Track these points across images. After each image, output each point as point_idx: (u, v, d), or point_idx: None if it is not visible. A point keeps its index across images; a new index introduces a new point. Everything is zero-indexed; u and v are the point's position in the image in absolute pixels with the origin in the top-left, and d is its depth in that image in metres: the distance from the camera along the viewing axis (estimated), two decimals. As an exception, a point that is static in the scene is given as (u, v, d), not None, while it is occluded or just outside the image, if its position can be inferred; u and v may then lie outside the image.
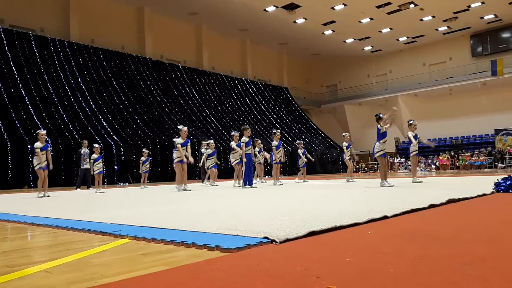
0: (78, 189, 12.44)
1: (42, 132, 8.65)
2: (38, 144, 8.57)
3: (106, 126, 19.65)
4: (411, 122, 9.21)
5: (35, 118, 17.50)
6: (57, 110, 18.70)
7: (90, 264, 1.87)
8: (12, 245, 2.56)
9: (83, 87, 20.92)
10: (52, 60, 20.73)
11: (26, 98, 18.02)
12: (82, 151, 12.77)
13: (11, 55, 19.14)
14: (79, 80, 21.09)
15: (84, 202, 6.19)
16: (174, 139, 9.39)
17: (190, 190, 8.68)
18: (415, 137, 8.98)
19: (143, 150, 13.08)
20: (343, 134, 11.98)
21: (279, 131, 11.19)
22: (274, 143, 10.80)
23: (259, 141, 13.16)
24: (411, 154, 9.15)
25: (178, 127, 9.48)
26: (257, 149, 12.73)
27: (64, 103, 19.32)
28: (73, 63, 21.56)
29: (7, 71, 18.47)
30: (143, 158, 12.68)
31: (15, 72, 18.67)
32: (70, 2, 23.92)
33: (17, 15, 21.90)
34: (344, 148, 11.51)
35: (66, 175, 16.67)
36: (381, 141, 7.66)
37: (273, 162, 11.03)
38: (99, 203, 5.86)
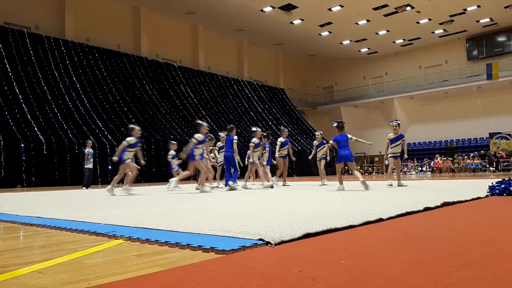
0: (87, 188, 12.27)
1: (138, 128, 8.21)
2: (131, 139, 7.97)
3: (101, 125, 19.57)
4: (391, 123, 8.73)
5: (28, 116, 17.41)
6: (51, 109, 18.60)
7: (83, 265, 1.86)
8: (5, 245, 2.54)
9: (78, 85, 20.83)
10: (46, 58, 20.63)
11: (20, 96, 17.92)
12: (86, 150, 12.75)
13: (5, 53, 19.03)
14: (74, 78, 21.00)
15: (80, 202, 6.15)
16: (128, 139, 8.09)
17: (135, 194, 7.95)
18: (396, 139, 8.43)
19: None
20: (316, 132, 11.31)
21: (287, 129, 11.02)
22: (281, 139, 10.81)
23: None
24: (388, 156, 8.61)
25: (130, 126, 8.40)
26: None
27: (59, 101, 19.22)
28: (67, 61, 21.47)
29: (0, 69, 18.36)
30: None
31: (9, 69, 18.56)
32: (65, 0, 23.82)
33: (12, 12, 21.79)
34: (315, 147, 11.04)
35: (60, 174, 16.60)
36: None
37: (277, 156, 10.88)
38: (92, 203, 5.83)
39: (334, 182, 11.50)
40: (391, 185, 8.41)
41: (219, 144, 11.28)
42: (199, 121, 8.69)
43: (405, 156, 8.60)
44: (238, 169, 9.02)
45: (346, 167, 8.74)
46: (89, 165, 12.78)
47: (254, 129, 9.94)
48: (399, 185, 8.38)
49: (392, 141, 8.42)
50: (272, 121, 31.33)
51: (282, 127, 11.06)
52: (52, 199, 7.01)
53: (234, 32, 32.18)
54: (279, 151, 10.84)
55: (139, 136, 8.18)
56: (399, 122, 8.68)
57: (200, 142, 8.14)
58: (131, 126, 8.38)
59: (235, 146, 8.75)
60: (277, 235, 2.28)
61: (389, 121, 8.17)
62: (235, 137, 8.88)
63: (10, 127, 16.45)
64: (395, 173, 8.69)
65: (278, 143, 10.91)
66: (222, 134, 10.87)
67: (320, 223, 2.74)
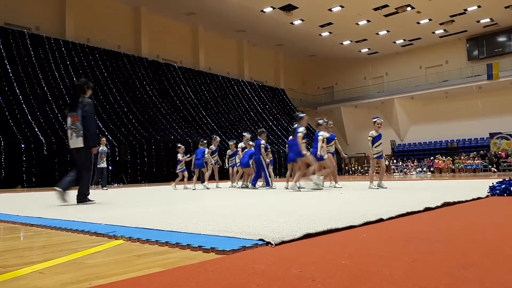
0: (95, 187, 11.76)
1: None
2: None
3: (101, 126, 19.58)
4: (374, 120, 8.09)
5: (29, 117, 17.42)
6: (51, 109, 18.62)
7: (84, 265, 1.86)
8: (5, 245, 2.54)
9: (79, 86, 20.81)
10: (47, 59, 20.65)
11: (20, 97, 17.94)
12: (100, 148, 11.76)
13: (5, 53, 19.05)
14: (74, 79, 21.00)
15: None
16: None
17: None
18: (378, 137, 7.91)
19: (179, 146, 11.76)
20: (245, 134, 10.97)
21: (331, 122, 9.66)
22: (326, 134, 8.97)
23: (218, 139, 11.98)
24: (374, 157, 7.96)
25: (300, 114, 8.10)
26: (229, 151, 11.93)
27: (59, 102, 19.24)
28: (68, 62, 21.48)
29: (1, 70, 18.38)
30: (180, 156, 11.43)
31: (9, 70, 18.58)
32: (66, 1, 23.84)
33: (13, 13, 21.80)
34: (240, 151, 10.86)
35: (60, 174, 16.59)
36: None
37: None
38: (95, 203, 5.83)
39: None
40: (386, 187, 7.94)
41: (229, 152, 11.57)
42: (301, 114, 8.25)
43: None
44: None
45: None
46: (103, 164, 12.03)
47: (299, 120, 8.51)
48: (379, 185, 7.90)
49: (375, 139, 7.96)
50: (273, 121, 31.34)
51: (321, 121, 9.11)
52: (52, 200, 7.00)
53: (235, 32, 32.18)
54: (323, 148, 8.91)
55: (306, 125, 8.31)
56: (382, 120, 8.31)
57: (305, 136, 7.91)
58: (301, 114, 8.10)
59: (262, 150, 9.32)
60: (278, 236, 2.27)
61: (389, 121, 7.99)
62: (263, 141, 9.30)
63: (11, 127, 16.46)
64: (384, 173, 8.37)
65: (322, 138, 8.71)
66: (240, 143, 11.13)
67: (320, 223, 2.74)
